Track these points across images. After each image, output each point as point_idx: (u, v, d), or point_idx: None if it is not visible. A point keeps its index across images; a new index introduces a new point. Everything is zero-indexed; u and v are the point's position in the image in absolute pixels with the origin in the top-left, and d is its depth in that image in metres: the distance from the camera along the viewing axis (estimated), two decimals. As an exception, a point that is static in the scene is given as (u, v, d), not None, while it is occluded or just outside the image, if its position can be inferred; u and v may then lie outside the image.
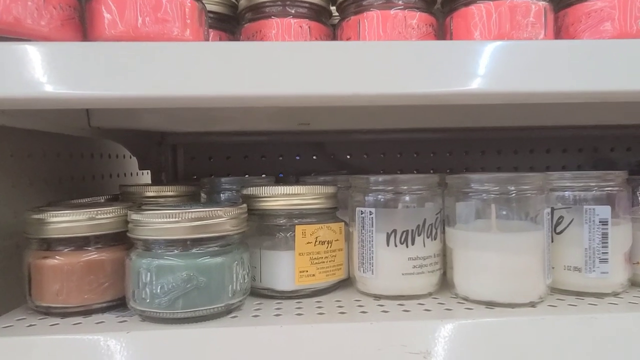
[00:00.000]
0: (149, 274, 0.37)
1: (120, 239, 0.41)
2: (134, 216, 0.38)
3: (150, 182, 0.86)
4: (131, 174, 0.91)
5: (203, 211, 0.37)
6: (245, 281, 0.40)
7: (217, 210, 0.38)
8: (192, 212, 0.37)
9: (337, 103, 0.36)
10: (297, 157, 0.92)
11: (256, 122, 0.63)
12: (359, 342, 0.36)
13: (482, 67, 0.34)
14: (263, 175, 0.86)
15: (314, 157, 0.93)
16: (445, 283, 0.44)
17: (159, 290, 0.36)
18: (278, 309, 0.41)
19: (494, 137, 0.90)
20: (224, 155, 0.91)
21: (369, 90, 0.34)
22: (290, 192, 0.44)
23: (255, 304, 0.42)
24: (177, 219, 0.37)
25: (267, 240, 0.44)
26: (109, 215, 0.41)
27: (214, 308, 0.38)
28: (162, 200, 0.55)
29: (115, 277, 0.40)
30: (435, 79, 0.34)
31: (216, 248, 0.38)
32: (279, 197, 0.44)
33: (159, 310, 0.37)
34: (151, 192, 0.56)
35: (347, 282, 0.47)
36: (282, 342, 0.36)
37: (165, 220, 0.37)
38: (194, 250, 0.38)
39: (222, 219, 0.38)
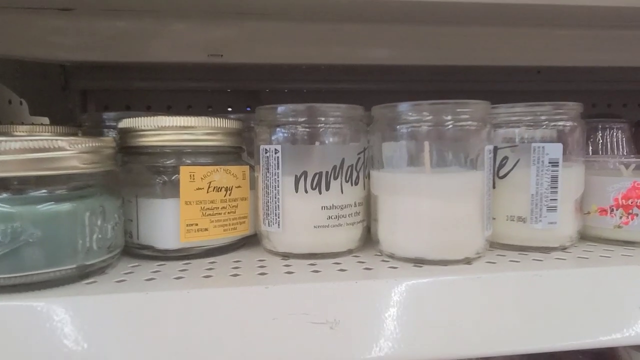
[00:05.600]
0: (-44, 226, 0.27)
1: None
2: (-58, 149, 0.28)
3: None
4: (32, 124, 0.77)
5: (36, 140, 0.27)
6: (109, 237, 0.31)
7: (57, 140, 0.28)
8: (19, 141, 0.27)
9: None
10: (229, 109, 0.82)
11: (153, 48, 0.52)
12: (249, 310, 0.28)
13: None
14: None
15: (248, 109, 0.83)
16: (370, 239, 0.37)
17: (-29, 248, 0.26)
18: (155, 272, 0.32)
19: (439, 89, 0.83)
20: (144, 105, 0.80)
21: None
22: (177, 125, 0.34)
23: (130, 267, 0.33)
24: (-4, 151, 0.27)
25: (145, 186, 0.34)
26: None
27: (57, 271, 0.28)
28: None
29: None
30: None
31: (62, 192, 0.29)
32: (162, 130, 0.34)
33: (-27, 275, 0.27)
34: (20, 132, 0.46)
35: (255, 239, 0.38)
36: (144, 313, 0.27)
37: (-18, 153, 0.27)
38: (31, 194, 0.28)
39: (67, 152, 0.28)
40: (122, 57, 0.58)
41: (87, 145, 0.29)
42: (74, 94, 0.76)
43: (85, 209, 0.29)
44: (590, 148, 0.50)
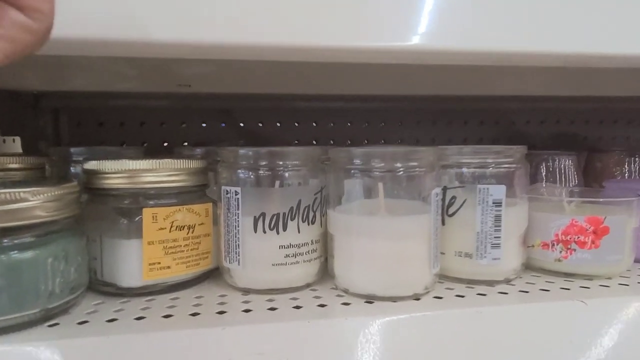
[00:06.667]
0: None
1: None
2: None
3: (20, 152, 0.74)
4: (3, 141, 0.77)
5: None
6: (72, 279, 0.32)
7: (20, 192, 0.29)
8: (-19, 194, 0.28)
9: (227, 55, 0.29)
10: (203, 125, 0.83)
11: (123, 81, 0.53)
12: (206, 352, 0.30)
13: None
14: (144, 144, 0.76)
15: (222, 125, 0.84)
16: (328, 271, 0.39)
17: None
18: (118, 311, 0.33)
19: (412, 107, 0.86)
20: (117, 122, 0.80)
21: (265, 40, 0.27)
22: (140, 168, 0.36)
23: (94, 305, 0.34)
24: (-42, 204, 0.28)
25: (109, 226, 0.35)
26: None
27: (20, 317, 0.29)
28: (1, 174, 0.45)
29: None
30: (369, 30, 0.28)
31: (25, 240, 0.30)
32: (126, 173, 0.36)
33: (-64, 323, 0.28)
34: (-13, 164, 0.46)
35: (218, 273, 0.40)
36: (105, 357, 0.29)
37: (-56, 205, 0.28)
38: (-5, 244, 0.29)
39: (30, 202, 0.29)
40: (92, 87, 0.59)
41: (50, 194, 0.31)
42: (45, 113, 0.76)
43: (48, 255, 0.30)
44: (543, 177, 0.52)
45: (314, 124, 0.86)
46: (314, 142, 0.83)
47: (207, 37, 0.29)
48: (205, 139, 0.80)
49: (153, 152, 0.60)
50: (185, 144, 0.79)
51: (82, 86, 0.60)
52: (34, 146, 0.74)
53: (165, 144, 0.80)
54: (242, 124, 0.84)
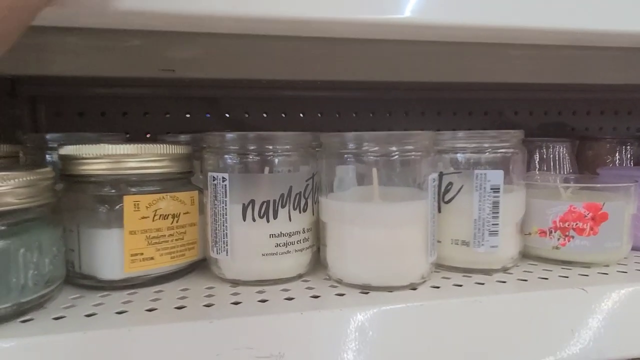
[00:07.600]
0: None
1: None
2: None
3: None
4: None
5: (-37, 178, 0.26)
6: (46, 271, 0.30)
7: (-13, 176, 0.27)
8: (-56, 179, 0.26)
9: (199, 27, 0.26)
10: (188, 115, 0.81)
11: (103, 64, 0.51)
12: (192, 346, 0.28)
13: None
14: (127, 135, 0.73)
15: (207, 115, 0.81)
16: (321, 261, 0.37)
17: None
18: (98, 305, 0.31)
19: (400, 97, 0.85)
20: (98, 111, 0.77)
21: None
22: (121, 152, 0.34)
23: (71, 299, 0.32)
24: None
25: (87, 216, 0.33)
26: None
27: (-10, 311, 0.27)
28: (-29, 162, 0.42)
29: None
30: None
31: (-5, 229, 0.28)
32: (105, 158, 0.33)
33: None
34: (-44, 152, 0.43)
35: (205, 264, 0.38)
36: (82, 355, 0.27)
37: None
38: (-41, 233, 0.27)
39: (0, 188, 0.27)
40: (72, 72, 0.56)
41: (22, 179, 0.28)
42: (22, 101, 0.73)
43: (20, 246, 0.28)
44: (537, 164, 0.52)
45: (302, 115, 0.84)
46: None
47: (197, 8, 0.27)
48: (189, 129, 0.78)
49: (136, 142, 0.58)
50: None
51: (61, 71, 0.57)
52: (12, 137, 0.71)
53: (148, 135, 0.78)
54: (227, 115, 0.81)
